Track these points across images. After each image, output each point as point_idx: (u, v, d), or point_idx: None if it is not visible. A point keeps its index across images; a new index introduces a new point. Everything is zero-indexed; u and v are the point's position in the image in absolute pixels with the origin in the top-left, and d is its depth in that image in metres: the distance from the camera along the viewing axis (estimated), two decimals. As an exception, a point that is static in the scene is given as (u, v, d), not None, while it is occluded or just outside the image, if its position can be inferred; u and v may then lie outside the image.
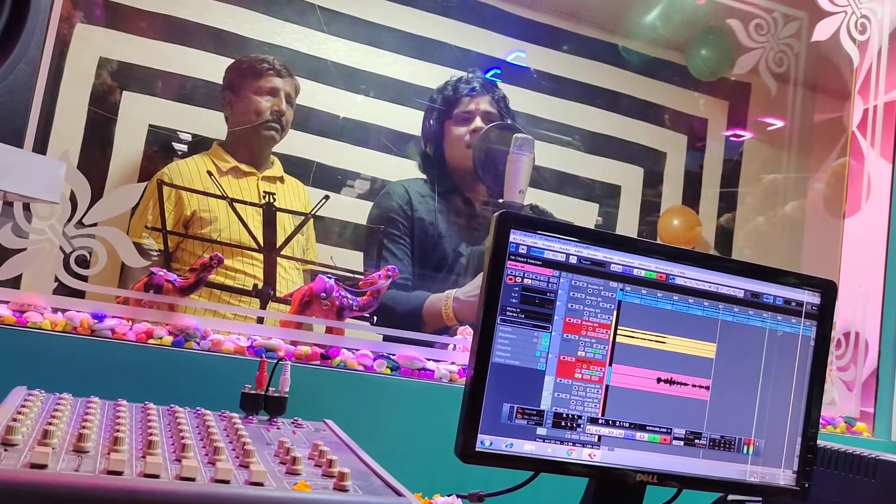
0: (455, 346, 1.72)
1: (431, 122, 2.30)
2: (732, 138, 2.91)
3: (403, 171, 2.38)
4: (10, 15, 0.89)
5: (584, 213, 2.73)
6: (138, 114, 2.23)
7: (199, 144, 2.24)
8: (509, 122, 2.26)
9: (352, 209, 2.39)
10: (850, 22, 2.07)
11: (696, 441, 1.20)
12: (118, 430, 0.88)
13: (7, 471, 0.72)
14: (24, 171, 0.91)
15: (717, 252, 2.70)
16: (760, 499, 1.39)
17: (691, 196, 2.88)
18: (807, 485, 1.25)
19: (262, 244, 1.99)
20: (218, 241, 2.00)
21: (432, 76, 2.44)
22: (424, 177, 2.31)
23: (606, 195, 2.79)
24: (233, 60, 2.24)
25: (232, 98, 2.18)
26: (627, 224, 2.81)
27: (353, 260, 2.32)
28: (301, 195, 2.28)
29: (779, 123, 2.66)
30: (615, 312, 1.16)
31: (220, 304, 1.91)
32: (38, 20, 0.94)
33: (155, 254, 1.95)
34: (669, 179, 2.88)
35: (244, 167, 2.14)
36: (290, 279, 2.10)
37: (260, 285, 1.95)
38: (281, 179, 2.22)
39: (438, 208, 2.20)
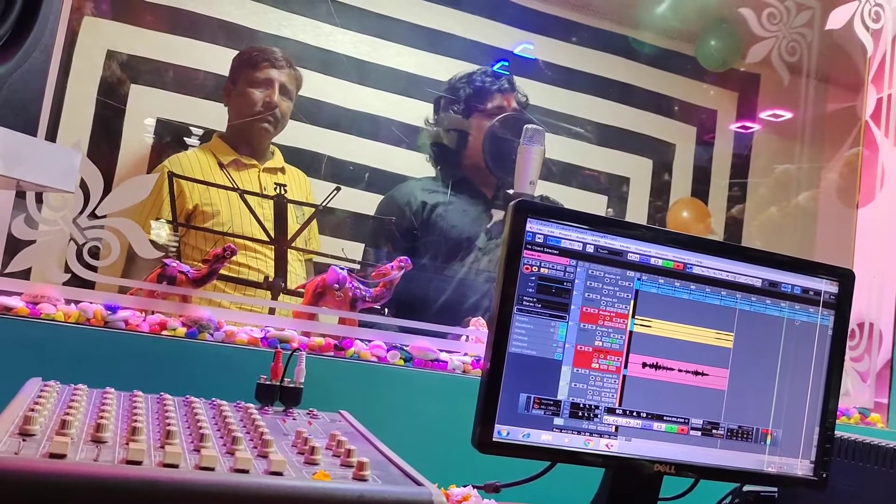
0: (468, 337, 1.71)
1: (454, 111, 2.28)
2: (741, 129, 2.90)
3: (411, 163, 2.38)
4: (25, 2, 0.88)
5: (593, 205, 2.72)
6: (146, 106, 2.23)
7: (208, 137, 2.23)
8: (523, 113, 2.25)
9: (357, 200, 2.38)
10: (864, 10, 2.05)
11: (713, 431, 1.19)
12: (135, 421, 0.87)
13: (27, 460, 0.71)
14: (38, 160, 0.90)
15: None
16: (776, 489, 1.38)
17: (701, 187, 2.87)
18: (825, 475, 1.24)
19: (272, 236, 1.98)
20: (226, 234, 2.00)
21: (440, 68, 2.43)
22: (432, 175, 2.29)
23: (615, 187, 2.79)
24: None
25: (231, 90, 2.16)
26: (636, 216, 2.80)
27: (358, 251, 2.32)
28: (302, 185, 2.27)
29: (788, 115, 2.64)
30: (632, 302, 1.15)
31: (232, 296, 1.91)
32: (53, 8, 0.93)
33: (173, 249, 1.95)
34: (678, 171, 2.87)
35: (244, 159, 2.14)
36: (293, 271, 2.09)
37: (271, 278, 1.95)
38: (282, 170, 2.21)
39: (454, 202, 2.19)
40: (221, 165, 2.06)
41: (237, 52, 2.22)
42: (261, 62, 2.14)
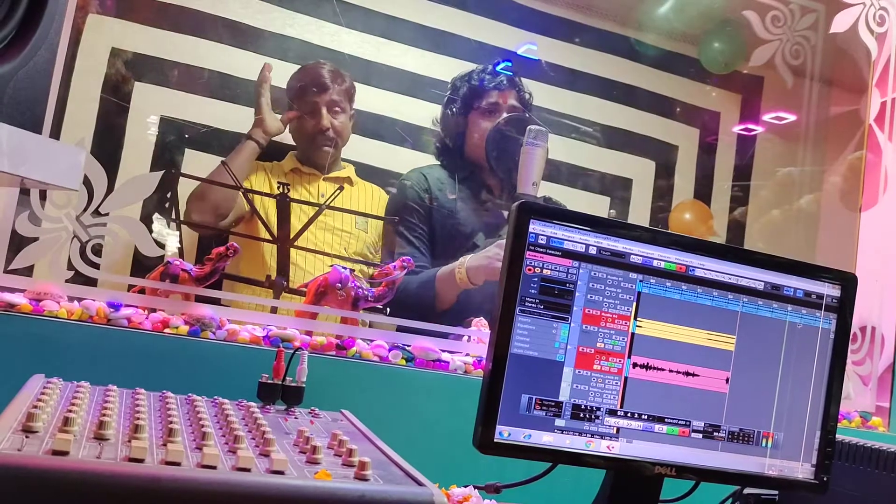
0: (470, 337, 1.71)
1: (453, 111, 2.29)
2: (744, 132, 2.89)
3: (417, 163, 2.37)
4: (31, 1, 0.88)
5: (596, 206, 2.72)
6: (150, 104, 2.23)
7: (213, 136, 2.23)
8: (526, 114, 2.25)
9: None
10: (868, 14, 2.05)
11: (714, 434, 1.19)
12: (138, 418, 0.88)
13: (29, 457, 0.71)
14: (43, 158, 0.91)
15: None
16: (776, 492, 1.38)
17: (703, 189, 2.87)
18: (825, 478, 1.24)
19: (274, 235, 1.99)
20: (236, 233, 2.01)
21: (445, 68, 2.42)
22: (440, 163, 2.30)
23: (618, 188, 2.78)
24: (241, 52, 2.24)
25: (291, 117, 2.20)
26: (639, 218, 2.80)
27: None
28: (376, 201, 2.27)
29: (791, 118, 2.64)
30: (634, 304, 1.15)
31: (237, 294, 1.92)
32: (58, 7, 0.93)
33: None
34: (681, 172, 2.87)
35: (304, 169, 2.18)
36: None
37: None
38: (349, 181, 2.22)
39: (458, 196, 2.20)
40: (223, 162, 2.06)
41: (243, 51, 2.23)
42: (306, 90, 2.18)
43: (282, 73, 2.24)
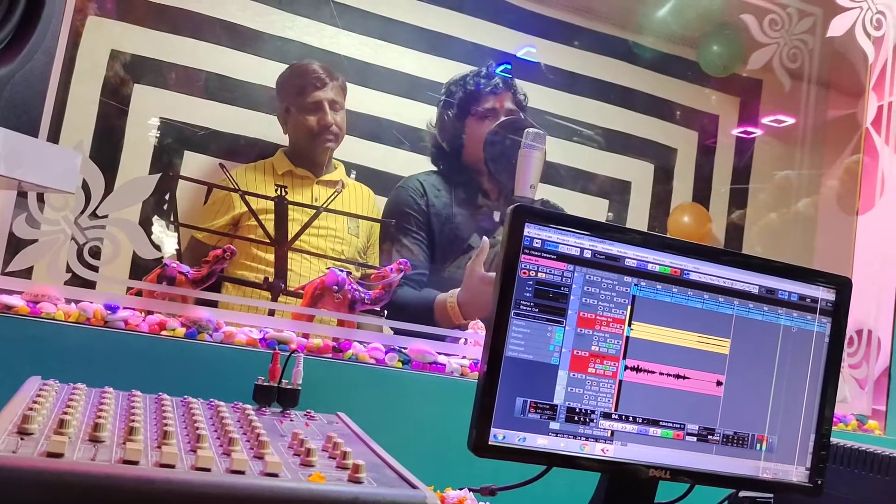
0: (466, 340, 1.72)
1: (449, 116, 2.28)
2: (743, 135, 2.90)
3: (413, 165, 2.38)
4: (28, 3, 0.89)
5: (595, 210, 2.72)
6: (150, 106, 2.23)
7: (211, 138, 2.24)
8: (522, 116, 2.25)
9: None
10: (865, 18, 2.06)
11: (709, 437, 1.19)
12: (133, 421, 0.88)
13: (24, 459, 0.72)
14: (39, 161, 0.91)
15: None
16: (771, 496, 1.38)
17: (702, 193, 2.87)
18: (820, 482, 1.25)
19: (272, 237, 1.99)
20: (232, 235, 2.01)
21: (442, 70, 2.43)
22: (436, 169, 2.30)
23: (617, 191, 2.79)
24: (240, 52, 2.25)
25: (286, 117, 2.21)
26: (637, 221, 2.80)
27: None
28: (365, 200, 2.27)
29: (789, 121, 2.65)
30: (629, 307, 1.15)
31: (234, 297, 1.92)
32: (56, 9, 0.94)
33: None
34: (680, 176, 2.87)
35: (298, 171, 2.17)
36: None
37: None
38: (341, 183, 2.23)
39: (454, 201, 2.20)
40: (222, 165, 2.07)
41: (242, 53, 2.24)
42: (306, 87, 2.17)
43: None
